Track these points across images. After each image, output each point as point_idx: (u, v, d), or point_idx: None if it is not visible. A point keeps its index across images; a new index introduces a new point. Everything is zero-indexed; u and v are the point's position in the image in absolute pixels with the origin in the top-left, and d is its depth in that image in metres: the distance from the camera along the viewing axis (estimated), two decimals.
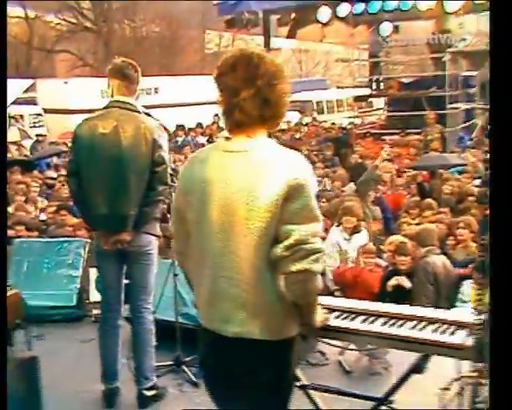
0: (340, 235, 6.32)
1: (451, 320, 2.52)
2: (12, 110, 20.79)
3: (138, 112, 3.69)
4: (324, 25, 13.85)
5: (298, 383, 2.90)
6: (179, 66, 31.28)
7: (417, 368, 2.67)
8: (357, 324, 2.60)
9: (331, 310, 2.68)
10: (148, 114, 3.83)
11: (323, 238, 5.28)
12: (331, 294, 6.10)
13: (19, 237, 7.01)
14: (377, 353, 4.33)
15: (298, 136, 15.74)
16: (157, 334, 3.93)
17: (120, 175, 3.57)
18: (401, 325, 2.55)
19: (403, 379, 2.81)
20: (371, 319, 2.62)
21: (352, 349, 4.16)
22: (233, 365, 2.13)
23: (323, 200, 8.28)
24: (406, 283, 5.30)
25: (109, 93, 3.73)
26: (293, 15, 13.97)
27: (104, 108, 3.73)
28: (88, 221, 3.86)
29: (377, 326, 2.56)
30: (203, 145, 13.74)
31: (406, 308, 2.77)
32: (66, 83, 20.05)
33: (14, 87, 22.03)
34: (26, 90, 22.23)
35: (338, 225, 6.41)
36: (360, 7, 13.17)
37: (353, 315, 2.66)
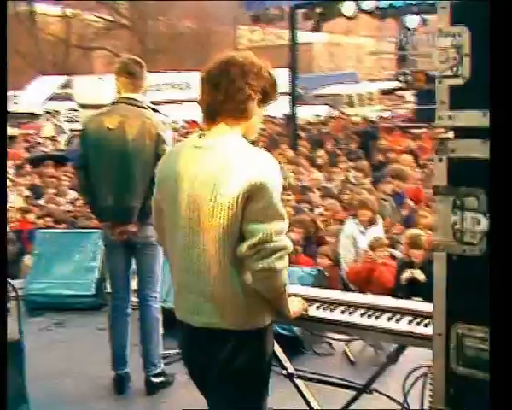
0: (356, 228, 6.36)
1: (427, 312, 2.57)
2: (49, 106, 21.38)
3: (144, 108, 3.83)
4: (349, 19, 13.83)
5: (284, 372, 3.00)
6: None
7: (392, 359, 2.75)
8: (336, 314, 2.65)
9: (311, 300, 2.74)
10: (155, 110, 3.98)
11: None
12: (346, 285, 6.19)
13: (48, 227, 7.31)
14: (382, 344, 4.38)
15: (325, 129, 15.73)
16: (166, 323, 4.04)
17: (126, 168, 3.73)
18: (378, 317, 2.60)
19: (381, 369, 2.88)
20: (351, 310, 2.68)
21: (355, 339, 4.22)
22: (204, 354, 2.22)
23: (347, 192, 8.35)
24: (420, 275, 5.32)
25: (116, 90, 3.88)
26: (318, 10, 13.99)
27: (111, 104, 3.89)
28: (95, 212, 4.03)
29: (356, 317, 2.62)
30: None
31: (388, 300, 2.82)
32: (101, 79, 20.45)
33: (51, 84, 22.66)
34: (63, 87, 22.79)
35: (354, 218, 6.46)
36: (385, 2, 13.11)
37: (333, 306, 2.71)
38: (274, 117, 17.40)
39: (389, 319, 2.57)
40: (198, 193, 2.12)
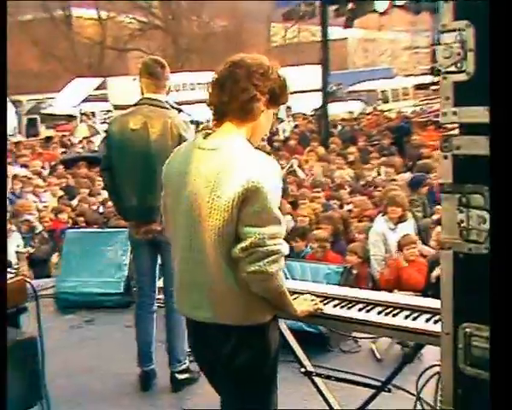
0: (386, 225, 6.30)
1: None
2: (84, 107, 21.75)
3: (166, 108, 3.88)
4: (382, 14, 13.69)
5: (302, 370, 3.00)
6: None
7: (410, 358, 2.72)
8: (353, 312, 2.63)
9: (329, 298, 2.73)
10: (180, 110, 4.03)
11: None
12: (375, 282, 6.13)
13: (79, 227, 7.48)
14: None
15: (359, 126, 15.60)
16: None
17: (149, 169, 3.77)
18: (395, 315, 2.57)
19: (398, 369, 2.85)
20: (368, 307, 2.65)
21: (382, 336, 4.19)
22: (208, 349, 2.27)
23: (379, 188, 8.28)
24: None
25: (140, 91, 3.93)
26: (350, 5, 13.88)
27: (134, 105, 3.95)
28: (121, 212, 4.10)
29: (373, 315, 2.59)
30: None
31: (406, 298, 2.79)
32: (135, 80, 20.67)
33: (86, 85, 23.04)
34: (98, 88, 23.16)
35: (383, 215, 6.40)
36: None
37: (350, 304, 2.69)
38: (305, 114, 17.33)
39: (406, 317, 2.54)
40: (198, 193, 2.16)
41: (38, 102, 23.53)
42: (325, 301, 2.67)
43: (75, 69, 29.70)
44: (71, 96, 22.02)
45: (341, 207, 7.85)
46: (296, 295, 2.59)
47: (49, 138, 18.81)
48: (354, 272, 5.83)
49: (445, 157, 1.67)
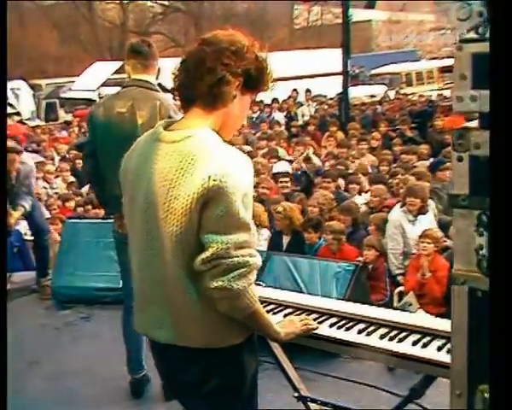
0: (404, 216, 5.88)
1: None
2: (102, 91, 21.50)
3: (156, 90, 3.52)
4: None
5: (295, 394, 2.64)
6: (267, 41, 31.03)
7: (417, 393, 2.31)
8: (353, 335, 2.21)
9: (322, 315, 2.33)
10: (169, 91, 3.66)
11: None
12: (393, 277, 5.73)
13: (79, 217, 7.08)
14: None
15: (380, 110, 15.04)
16: None
17: None
18: (401, 340, 2.16)
19: (403, 403, 2.44)
20: (371, 328, 2.24)
21: None
22: (171, 371, 1.95)
23: (398, 177, 7.84)
24: None
25: (126, 73, 3.59)
26: None
27: (122, 87, 3.61)
28: (103, 203, 3.76)
29: (376, 339, 2.18)
30: (278, 122, 13.50)
31: (411, 317, 2.37)
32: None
33: (106, 69, 22.78)
34: (117, 72, 22.88)
35: (402, 206, 5.97)
36: None
37: (351, 322, 2.29)
38: (325, 96, 16.77)
39: (415, 342, 2.14)
40: (153, 194, 1.80)
41: (58, 87, 23.29)
42: (320, 319, 2.27)
43: (96, 53, 29.51)
44: (90, 80, 21.76)
45: (360, 195, 7.44)
46: (287, 315, 2.18)
47: (67, 123, 18.59)
48: (370, 266, 5.51)
49: (460, 159, 1.23)
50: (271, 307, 2.44)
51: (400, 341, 2.13)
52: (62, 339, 4.81)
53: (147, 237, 1.85)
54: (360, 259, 5.49)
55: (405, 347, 2.10)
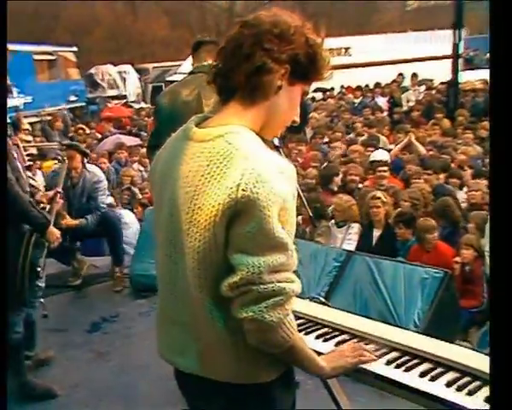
0: None
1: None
2: None
3: None
4: None
5: None
6: (376, 24, 30.06)
7: None
8: (413, 377, 1.82)
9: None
10: None
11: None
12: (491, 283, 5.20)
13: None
14: None
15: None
16: None
17: None
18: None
19: None
20: (436, 371, 1.83)
21: None
22: (192, 399, 1.73)
23: None
24: None
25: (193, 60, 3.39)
26: None
27: (189, 73, 3.41)
28: None
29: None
30: (380, 108, 12.88)
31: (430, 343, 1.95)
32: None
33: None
34: None
35: None
36: None
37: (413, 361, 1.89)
38: (431, 80, 15.82)
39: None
40: (177, 200, 1.54)
41: (164, 70, 23.82)
42: (378, 352, 1.90)
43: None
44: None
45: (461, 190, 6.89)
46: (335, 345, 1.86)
47: None
48: (467, 268, 5.05)
49: None
50: (324, 330, 2.12)
51: (470, 393, 1.70)
52: (134, 330, 4.73)
53: (170, 248, 1.60)
54: (457, 259, 5.13)
55: (476, 402, 1.68)
